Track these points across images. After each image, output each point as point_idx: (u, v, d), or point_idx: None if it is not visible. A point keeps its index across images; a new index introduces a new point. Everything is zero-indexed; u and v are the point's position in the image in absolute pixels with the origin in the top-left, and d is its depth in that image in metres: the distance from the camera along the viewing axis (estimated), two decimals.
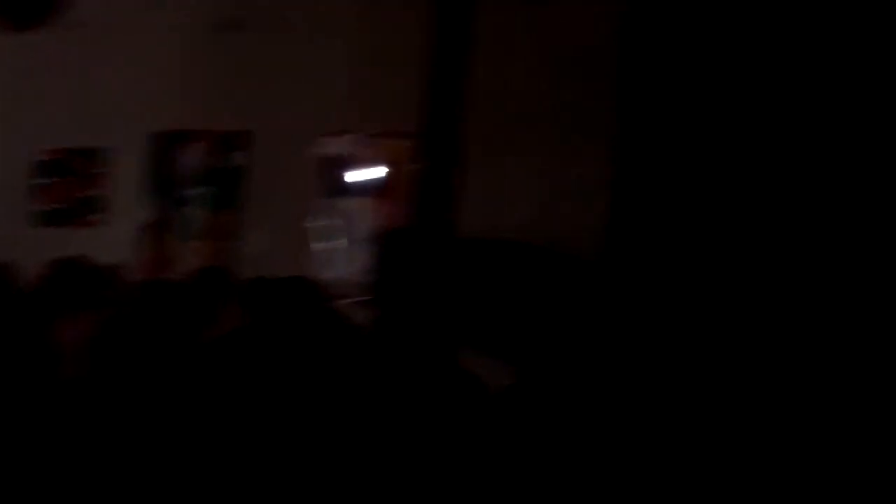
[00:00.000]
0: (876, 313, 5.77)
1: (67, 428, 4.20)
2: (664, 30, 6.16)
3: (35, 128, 7.59)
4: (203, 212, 7.15)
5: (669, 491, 5.09)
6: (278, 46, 7.02)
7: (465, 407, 4.36)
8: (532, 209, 6.46)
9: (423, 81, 6.40)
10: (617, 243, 6.16)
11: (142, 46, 7.32)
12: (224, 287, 5.55)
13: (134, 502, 4.06)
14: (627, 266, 6.13)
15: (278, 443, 4.20)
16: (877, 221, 5.88)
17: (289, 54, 6.99)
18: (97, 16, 7.45)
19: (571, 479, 4.69)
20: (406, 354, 4.55)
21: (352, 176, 6.85)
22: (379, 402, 4.28)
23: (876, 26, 5.89)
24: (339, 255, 6.76)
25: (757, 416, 5.70)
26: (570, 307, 6.05)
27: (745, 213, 6.05)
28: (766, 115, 6.05)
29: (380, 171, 6.76)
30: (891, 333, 5.66)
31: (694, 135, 6.15)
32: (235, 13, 7.10)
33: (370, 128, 6.74)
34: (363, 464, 4.09)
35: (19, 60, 7.58)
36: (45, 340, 4.69)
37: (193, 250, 6.93)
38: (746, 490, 5.32)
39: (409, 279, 6.01)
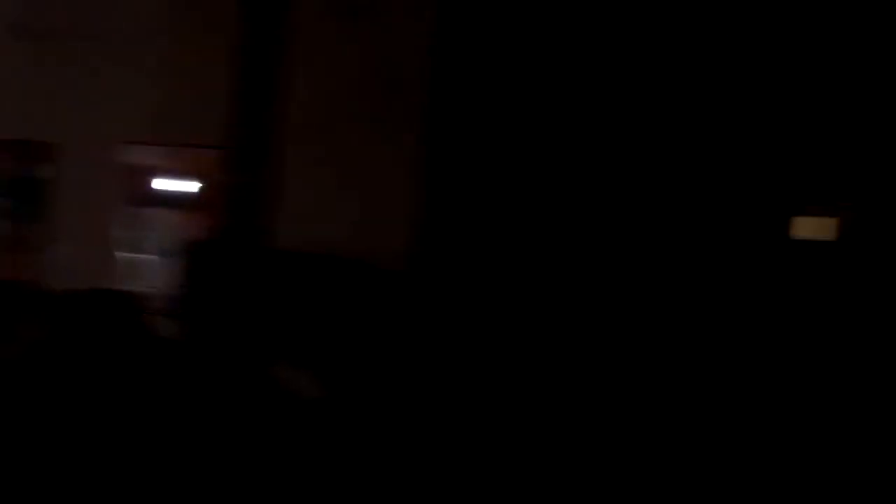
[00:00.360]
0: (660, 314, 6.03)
1: None
2: (473, 48, 6.28)
3: None
4: (4, 224, 6.92)
5: (480, 494, 5.20)
6: (85, 56, 6.86)
7: (278, 418, 4.36)
8: (344, 223, 6.47)
9: (232, 93, 6.38)
10: (425, 257, 6.24)
11: None
12: (24, 301, 5.40)
13: None
14: (436, 279, 6.22)
15: (79, 458, 4.13)
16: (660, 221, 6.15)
17: (95, 64, 6.83)
18: None
19: (383, 486, 4.74)
20: (217, 367, 4.52)
21: (160, 186, 6.74)
22: (189, 414, 4.25)
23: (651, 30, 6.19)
24: (148, 267, 6.65)
25: (575, 418, 5.88)
26: (380, 319, 6.10)
27: (553, 229, 6.22)
28: (573, 131, 6.24)
29: (189, 183, 6.68)
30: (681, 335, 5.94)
31: (501, 153, 6.28)
32: (34, 20, 6.91)
33: (179, 138, 6.64)
34: (173, 476, 4.05)
35: None
36: None
37: None
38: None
39: (219, 291, 5.96)
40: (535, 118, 6.26)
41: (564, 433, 5.92)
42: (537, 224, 6.26)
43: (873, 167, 6.09)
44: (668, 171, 6.17)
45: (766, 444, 5.73)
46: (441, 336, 6.10)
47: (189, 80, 6.60)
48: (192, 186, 6.68)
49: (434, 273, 6.24)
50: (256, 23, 6.16)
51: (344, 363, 5.38)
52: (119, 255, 6.73)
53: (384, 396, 5.29)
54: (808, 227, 6.11)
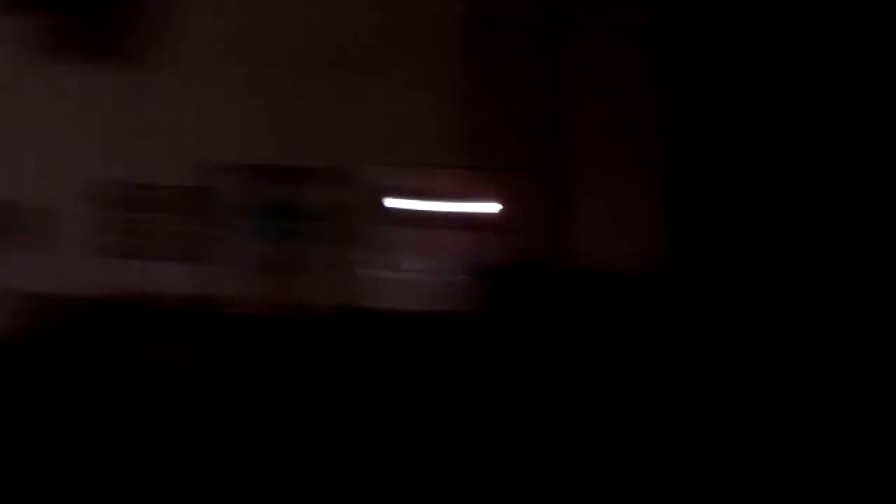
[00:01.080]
0: None
1: None
2: (713, 45, 6.28)
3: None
4: (279, 247, 7.01)
5: None
6: (355, 82, 6.96)
7: None
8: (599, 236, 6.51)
9: (521, 116, 6.47)
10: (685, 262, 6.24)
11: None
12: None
13: None
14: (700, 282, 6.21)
15: None
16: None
17: (375, 90, 6.93)
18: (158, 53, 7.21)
19: None
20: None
21: (441, 208, 6.81)
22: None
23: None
24: (434, 287, 6.70)
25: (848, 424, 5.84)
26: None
27: (809, 214, 6.18)
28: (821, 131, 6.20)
29: (472, 204, 6.75)
30: None
31: (747, 143, 6.27)
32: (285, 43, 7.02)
33: (464, 161, 6.72)
34: None
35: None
36: None
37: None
38: None
39: (534, 315, 6.03)
40: (780, 118, 6.25)
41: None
42: (798, 221, 6.22)
43: None
44: None
45: None
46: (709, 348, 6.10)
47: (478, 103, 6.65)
48: (475, 208, 6.73)
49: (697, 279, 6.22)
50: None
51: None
52: (392, 273, 6.81)
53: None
54: None
